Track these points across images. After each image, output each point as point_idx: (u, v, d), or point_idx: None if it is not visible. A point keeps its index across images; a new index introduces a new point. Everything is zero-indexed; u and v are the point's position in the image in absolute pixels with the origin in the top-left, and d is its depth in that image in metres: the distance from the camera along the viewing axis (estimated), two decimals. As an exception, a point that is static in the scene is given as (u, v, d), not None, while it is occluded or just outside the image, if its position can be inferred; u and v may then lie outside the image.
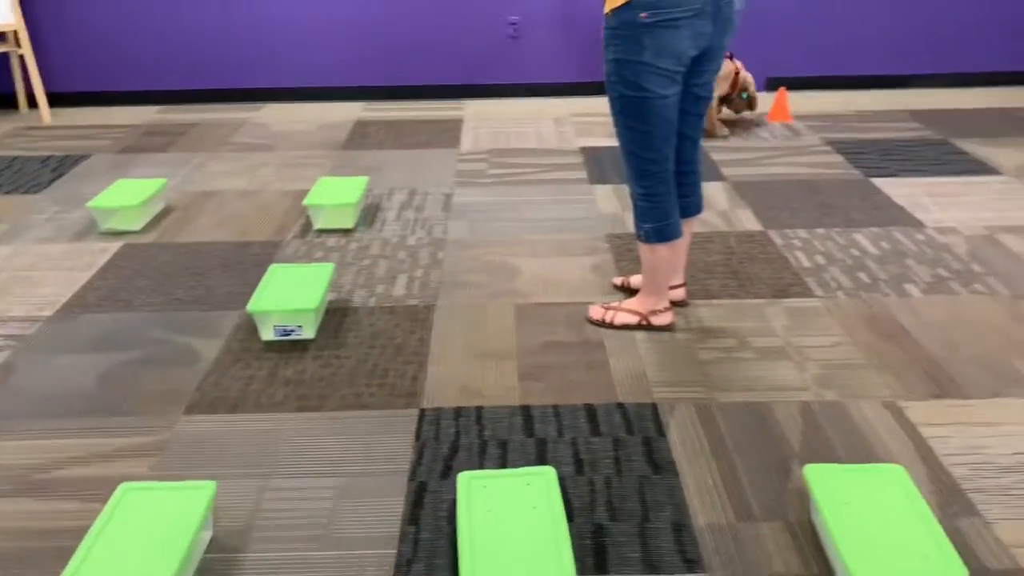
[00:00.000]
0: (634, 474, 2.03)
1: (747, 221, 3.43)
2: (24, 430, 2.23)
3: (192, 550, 1.71)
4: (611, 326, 2.68)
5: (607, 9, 2.27)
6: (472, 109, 5.17)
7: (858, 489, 1.81)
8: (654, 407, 2.28)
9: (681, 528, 1.86)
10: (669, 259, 2.56)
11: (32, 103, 5.25)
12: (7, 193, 3.91)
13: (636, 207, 2.51)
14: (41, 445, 2.17)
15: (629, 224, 3.43)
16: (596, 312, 2.72)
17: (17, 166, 4.28)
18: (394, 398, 2.34)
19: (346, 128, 4.83)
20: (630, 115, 2.36)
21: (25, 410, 2.32)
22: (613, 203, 3.66)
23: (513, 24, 5.20)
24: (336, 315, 2.78)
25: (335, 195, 3.45)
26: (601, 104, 5.11)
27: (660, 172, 2.43)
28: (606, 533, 1.85)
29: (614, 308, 2.70)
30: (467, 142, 4.55)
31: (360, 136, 4.68)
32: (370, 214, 3.59)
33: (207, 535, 1.84)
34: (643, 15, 2.19)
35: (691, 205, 2.66)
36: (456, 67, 5.35)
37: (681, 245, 2.65)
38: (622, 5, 2.21)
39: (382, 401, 2.33)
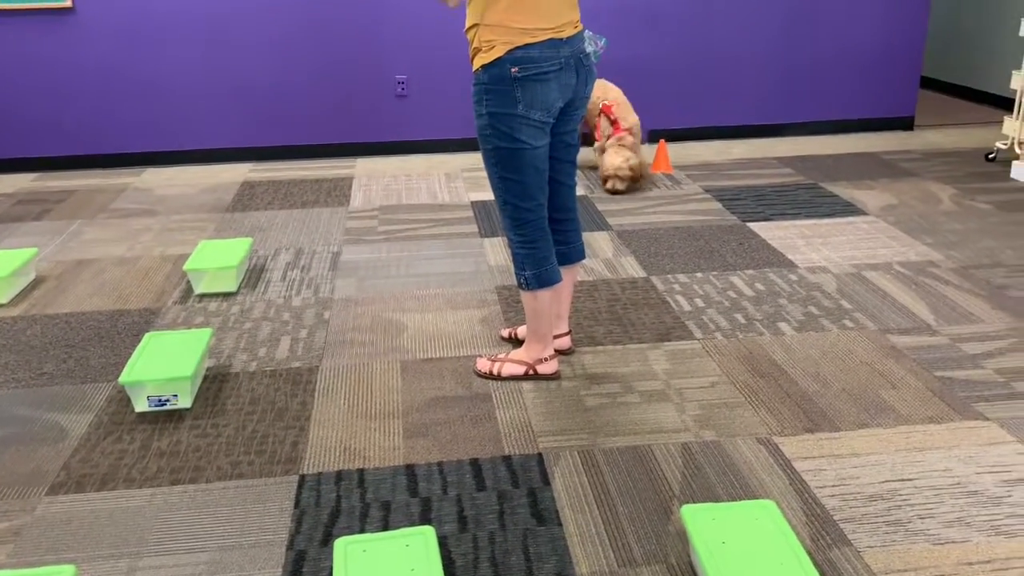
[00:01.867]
0: (518, 528, 2.02)
1: (631, 268, 3.52)
2: None
3: (46, 642, 1.60)
4: (499, 378, 2.69)
5: (477, 66, 2.35)
6: (363, 167, 5.18)
7: (733, 527, 1.84)
8: (539, 457, 2.28)
9: (564, 579, 1.86)
10: (550, 305, 2.59)
11: None
12: None
13: (515, 255, 2.55)
14: None
15: (516, 276, 3.46)
16: (483, 365, 2.72)
17: None
18: (273, 465, 2.27)
19: (232, 189, 4.75)
20: (505, 166, 2.42)
21: None
22: (502, 256, 3.69)
23: (401, 83, 5.26)
24: (215, 381, 2.70)
25: (216, 258, 3.37)
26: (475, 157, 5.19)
27: (535, 220, 2.50)
28: (489, 590, 1.83)
29: (501, 360, 2.71)
30: (357, 200, 4.54)
31: (247, 197, 4.61)
32: (254, 276, 3.53)
33: (65, 625, 1.73)
34: (514, 70, 2.29)
35: (573, 252, 2.71)
36: (346, 125, 5.36)
37: (564, 292, 2.70)
38: (493, 61, 2.30)
39: (260, 469, 2.26)
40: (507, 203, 2.48)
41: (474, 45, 2.35)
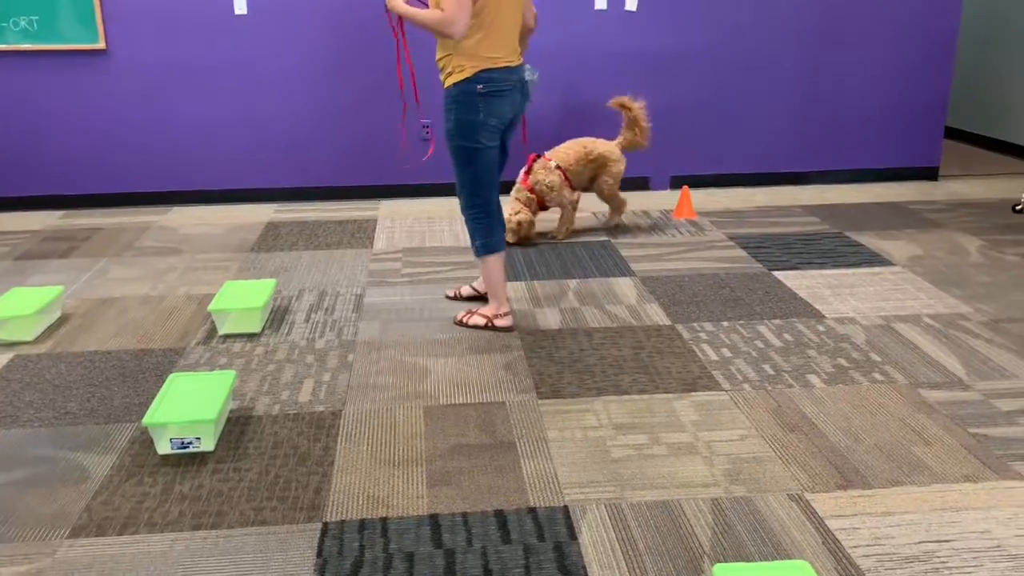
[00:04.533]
0: (545, 582, 1.97)
1: (655, 315, 3.49)
2: None
3: None
4: (466, 326, 3.39)
5: (449, 82, 3.04)
6: (386, 209, 5.20)
7: (767, 588, 1.79)
8: (566, 510, 2.24)
9: (592, 638, 1.80)
10: (500, 270, 3.31)
11: (-75, 209, 5.05)
12: None
13: (469, 229, 3.26)
14: (-97, 581, 1.99)
15: (542, 321, 3.45)
16: (460, 315, 3.43)
17: (-97, 275, 4.07)
18: (295, 512, 2.24)
19: (256, 230, 4.79)
20: (466, 161, 3.12)
21: None
22: (525, 301, 3.68)
23: (426, 126, 5.30)
24: (238, 424, 2.68)
25: (241, 299, 3.38)
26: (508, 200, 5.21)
27: (484, 203, 3.21)
28: (515, 648, 1.78)
29: (471, 313, 3.41)
30: (380, 241, 4.55)
31: (271, 238, 4.63)
32: (278, 317, 3.53)
33: (84, 675, 1.70)
34: (480, 87, 3.01)
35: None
36: (370, 168, 5.40)
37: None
38: (464, 79, 3.00)
39: (283, 516, 2.23)
40: (464, 188, 3.19)
41: (448, 69, 3.03)
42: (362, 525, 2.19)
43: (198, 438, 2.51)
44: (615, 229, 4.67)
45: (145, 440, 2.58)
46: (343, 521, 2.20)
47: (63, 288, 3.58)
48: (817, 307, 3.56)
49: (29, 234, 4.74)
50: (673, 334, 3.31)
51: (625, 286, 3.83)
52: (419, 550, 2.09)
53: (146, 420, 2.49)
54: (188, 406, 2.54)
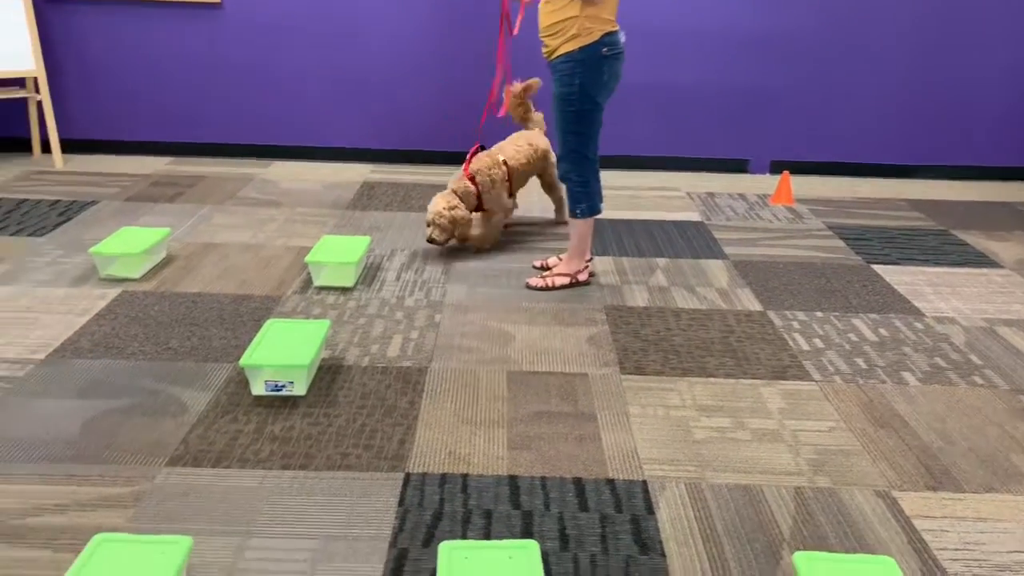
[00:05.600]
0: (620, 553, 1.98)
1: (747, 300, 3.43)
2: (2, 474, 2.19)
3: (161, 608, 1.66)
4: (553, 288, 3.47)
5: (573, 46, 3.09)
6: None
7: (849, 580, 1.76)
8: (644, 485, 2.24)
9: (665, 612, 1.81)
10: (592, 229, 3.47)
11: (46, 148, 5.32)
12: (13, 235, 3.94)
13: (574, 193, 3.36)
14: (18, 490, 2.13)
15: (628, 297, 3.43)
16: (536, 282, 3.49)
17: (25, 208, 4.31)
18: (380, 460, 2.30)
19: (353, 188, 4.88)
20: (582, 123, 3.22)
21: (5, 454, 2.28)
22: (612, 275, 3.66)
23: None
24: (329, 373, 2.76)
25: (337, 253, 3.46)
26: (608, 178, 5.17)
27: (592, 166, 3.32)
28: (588, 613, 1.80)
29: (549, 275, 3.50)
30: (472, 208, 4.58)
31: (366, 197, 4.72)
32: (370, 274, 3.60)
33: (178, 593, 1.79)
34: (604, 50, 3.11)
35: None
36: (465, 135, 5.43)
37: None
38: (591, 43, 3.09)
39: (367, 463, 2.29)
40: (576, 152, 3.27)
41: (570, 32, 3.07)
42: (443, 479, 2.23)
43: (291, 382, 2.59)
44: (711, 211, 4.59)
45: (241, 381, 2.69)
46: (425, 474, 2.25)
47: (169, 230, 3.73)
48: (916, 304, 3.44)
49: (139, 177, 4.95)
50: (764, 320, 3.25)
51: (717, 268, 3.77)
52: (497, 509, 2.13)
53: (243, 361, 2.59)
54: (283, 351, 2.63)
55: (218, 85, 5.33)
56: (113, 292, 3.33)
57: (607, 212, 4.52)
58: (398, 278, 3.57)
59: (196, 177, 5.00)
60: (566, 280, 3.50)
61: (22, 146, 5.42)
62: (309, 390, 2.65)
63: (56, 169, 5.07)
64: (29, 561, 1.89)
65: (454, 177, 3.83)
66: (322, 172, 5.21)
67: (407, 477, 2.24)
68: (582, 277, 3.52)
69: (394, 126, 5.41)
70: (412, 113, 5.40)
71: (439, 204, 3.70)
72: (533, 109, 4.19)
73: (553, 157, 4.04)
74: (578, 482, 2.24)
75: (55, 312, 3.14)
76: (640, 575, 1.91)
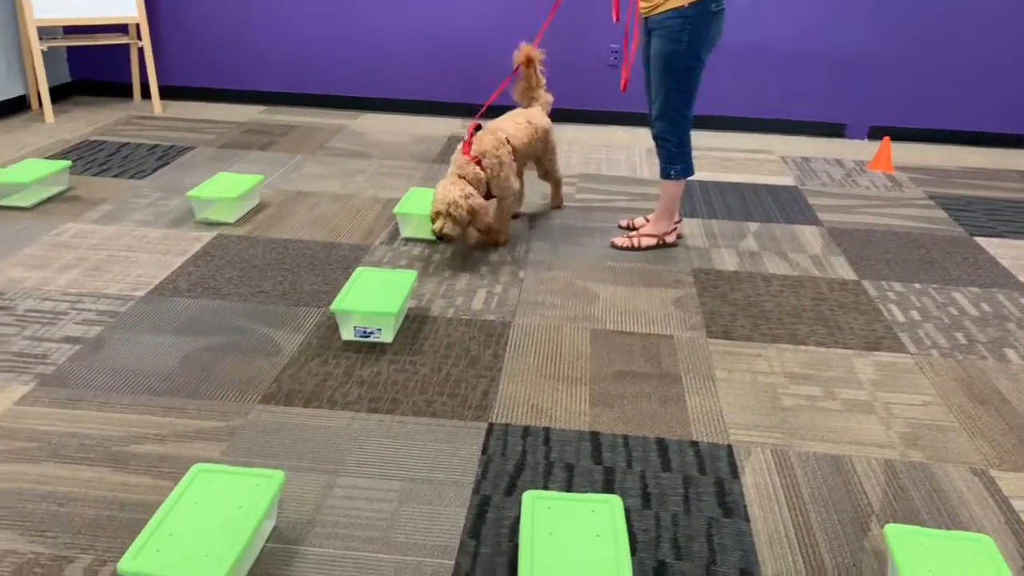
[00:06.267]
0: (703, 515, 1.96)
1: (840, 269, 3.33)
2: (107, 403, 2.30)
3: (255, 538, 1.72)
4: (638, 248, 3.43)
5: (686, 1, 2.99)
6: (567, 134, 5.18)
7: (942, 556, 1.71)
8: (729, 449, 2.21)
9: (748, 575, 1.79)
10: (682, 191, 3.40)
11: (145, 94, 5.49)
12: (115, 176, 4.09)
13: (669, 154, 3.28)
14: (121, 419, 2.23)
15: (717, 260, 3.37)
16: (622, 241, 3.46)
17: (126, 152, 4.46)
18: (464, 409, 2.33)
19: (440, 142, 4.89)
20: (685, 81, 3.13)
21: (110, 384, 2.39)
22: (701, 238, 3.59)
23: (614, 52, 5.20)
24: (415, 322, 2.80)
25: (424, 205, 3.49)
26: (698, 138, 5.06)
27: (689, 124, 3.26)
28: (669, 571, 1.80)
29: (636, 235, 3.45)
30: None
31: (453, 151, 4.72)
32: (456, 227, 3.61)
33: (270, 524, 1.86)
34: (713, 6, 3.04)
35: None
36: (555, 92, 5.37)
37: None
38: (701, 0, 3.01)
39: (452, 411, 2.32)
40: (676, 111, 3.19)
41: None
42: (525, 431, 2.25)
43: (379, 329, 2.64)
44: (805, 174, 4.45)
45: (330, 325, 2.75)
46: (508, 424, 2.27)
47: (263, 177, 3.81)
48: (1022, 279, 3.28)
49: (234, 125, 5.07)
50: (859, 290, 3.15)
51: (810, 235, 3.66)
52: (579, 463, 2.13)
53: (334, 307, 2.64)
54: (372, 298, 2.67)
55: (311, 37, 5.38)
56: (209, 235, 3.43)
57: (698, 174, 4.43)
58: (483, 232, 3.58)
59: (288, 126, 5.09)
60: (653, 241, 3.45)
61: (123, 91, 5.60)
62: (396, 338, 2.69)
63: (155, 115, 5.23)
64: (132, 486, 1.99)
65: (453, 161, 3.27)
66: (410, 125, 5.23)
67: (490, 427, 2.26)
68: (670, 239, 3.47)
69: (482, 80, 5.39)
70: (505, 69, 5.36)
71: (452, 192, 3.09)
72: (543, 84, 3.70)
73: (554, 139, 3.64)
74: (661, 442, 2.22)
75: (154, 252, 3.26)
76: (723, 537, 1.89)
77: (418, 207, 3.48)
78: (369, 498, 1.97)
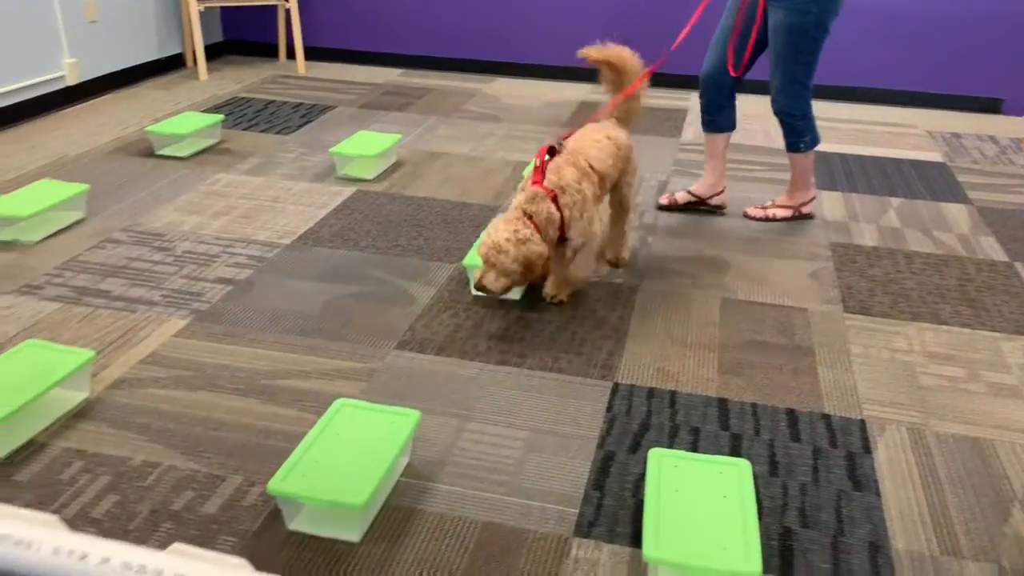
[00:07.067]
0: (832, 486, 1.93)
1: (990, 249, 3.15)
2: (256, 339, 2.45)
3: (392, 470, 1.82)
4: (774, 219, 3.39)
5: None
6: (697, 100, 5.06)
7: (1093, 548, 1.62)
8: (862, 424, 2.15)
9: (878, 549, 1.76)
10: (813, 161, 3.33)
11: (291, 54, 5.72)
12: (263, 131, 4.30)
13: (795, 127, 3.21)
14: (269, 355, 2.38)
15: (856, 235, 3.25)
16: (755, 212, 3.42)
17: (272, 109, 4.68)
18: (590, 368, 2.36)
19: (570, 107, 4.90)
20: (812, 52, 3.07)
21: (259, 322, 2.55)
22: (840, 211, 3.48)
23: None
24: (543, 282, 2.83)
25: (556, 168, 3.51)
26: (836, 110, 4.87)
27: (810, 95, 3.19)
28: (796, 538, 1.78)
29: (771, 207, 3.41)
30: (689, 133, 4.48)
31: (583, 117, 4.72)
32: (586, 191, 3.62)
33: (405, 460, 1.95)
34: None
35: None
36: (686, 57, 5.27)
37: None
38: None
39: (578, 369, 2.36)
40: (802, 84, 3.13)
41: None
42: (651, 393, 2.26)
43: (509, 285, 2.69)
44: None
45: (462, 280, 2.82)
46: (633, 385, 2.29)
47: (401, 136, 3.93)
48: None
49: (373, 86, 5.22)
50: (1010, 272, 2.98)
51: (957, 213, 3.48)
52: (705, 427, 2.13)
53: (466, 261, 2.71)
54: (504, 255, 2.72)
55: (449, 2, 5.46)
56: (349, 190, 3.57)
57: (836, 146, 4.28)
58: (613, 197, 3.57)
59: (424, 89, 5.20)
60: (788, 212, 3.39)
61: (270, 51, 5.86)
62: (523, 296, 2.74)
63: (299, 74, 5.44)
64: (279, 416, 2.12)
65: (519, 192, 2.57)
66: (541, 90, 5.26)
67: (615, 387, 2.28)
68: (806, 210, 3.39)
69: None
70: (637, 36, 5.30)
71: (499, 232, 2.41)
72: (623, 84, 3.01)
73: (634, 159, 2.91)
74: (791, 413, 2.19)
75: (299, 203, 3.42)
76: (851, 510, 1.86)
77: (549, 170, 3.50)
78: (497, 444, 2.04)
